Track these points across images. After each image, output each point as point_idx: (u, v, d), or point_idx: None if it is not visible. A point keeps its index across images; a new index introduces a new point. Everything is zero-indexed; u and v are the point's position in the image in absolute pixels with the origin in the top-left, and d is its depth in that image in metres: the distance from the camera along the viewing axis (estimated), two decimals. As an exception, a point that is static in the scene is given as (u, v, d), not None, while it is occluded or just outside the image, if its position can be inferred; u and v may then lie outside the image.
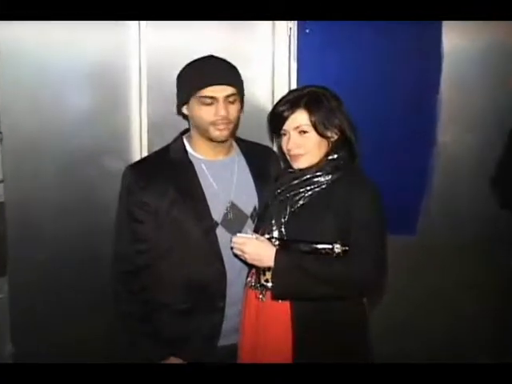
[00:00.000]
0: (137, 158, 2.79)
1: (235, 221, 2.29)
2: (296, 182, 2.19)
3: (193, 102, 2.19)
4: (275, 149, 2.66)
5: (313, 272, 2.05)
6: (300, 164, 2.19)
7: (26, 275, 2.71)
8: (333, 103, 2.18)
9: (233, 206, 2.29)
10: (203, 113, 2.17)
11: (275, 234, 2.17)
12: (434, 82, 3.06)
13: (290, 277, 2.06)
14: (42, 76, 2.68)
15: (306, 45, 2.89)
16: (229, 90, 2.18)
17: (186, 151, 2.33)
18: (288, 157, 2.23)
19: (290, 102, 2.18)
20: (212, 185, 2.29)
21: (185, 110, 2.24)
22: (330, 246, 2.07)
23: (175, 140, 2.38)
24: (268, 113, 2.27)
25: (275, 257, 2.07)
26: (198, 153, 2.32)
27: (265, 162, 2.36)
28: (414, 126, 3.07)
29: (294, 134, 2.17)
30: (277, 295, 2.11)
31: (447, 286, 3.25)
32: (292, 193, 2.18)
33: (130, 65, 2.76)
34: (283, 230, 2.17)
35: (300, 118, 2.16)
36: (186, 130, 2.39)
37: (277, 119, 2.19)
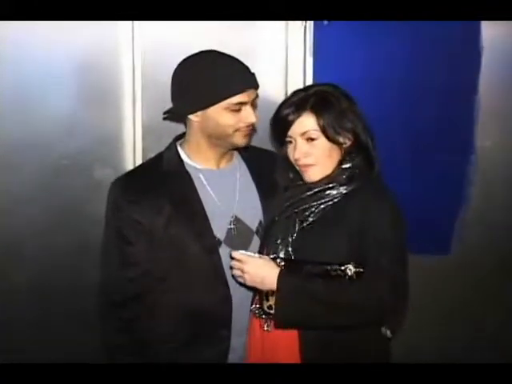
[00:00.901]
0: (130, 166, 2.67)
1: (240, 238, 2.12)
2: (306, 195, 2.04)
3: (215, 108, 2.03)
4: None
5: (321, 297, 1.89)
6: (311, 176, 2.04)
7: (3, 299, 2.62)
8: (344, 104, 2.02)
9: (237, 221, 2.13)
10: (228, 119, 2.02)
11: (281, 253, 2.02)
12: (471, 82, 2.89)
13: (294, 302, 1.90)
14: (25, 76, 2.60)
15: (323, 38, 2.74)
16: (255, 93, 2.06)
17: (181, 160, 2.16)
18: (297, 166, 2.08)
19: (295, 104, 2.03)
20: (212, 197, 2.12)
21: (194, 117, 2.06)
22: (343, 268, 1.91)
23: (168, 148, 2.20)
24: (271, 119, 2.12)
25: (278, 278, 1.90)
26: (195, 161, 2.16)
27: (269, 170, 2.18)
28: (448, 130, 2.90)
29: (300, 142, 2.02)
30: (279, 323, 1.94)
31: (483, 306, 3.11)
32: (301, 207, 2.03)
33: (122, 63, 2.66)
34: (290, 249, 2.02)
35: (307, 123, 2.01)
36: (180, 136, 2.23)
37: (281, 124, 2.05)
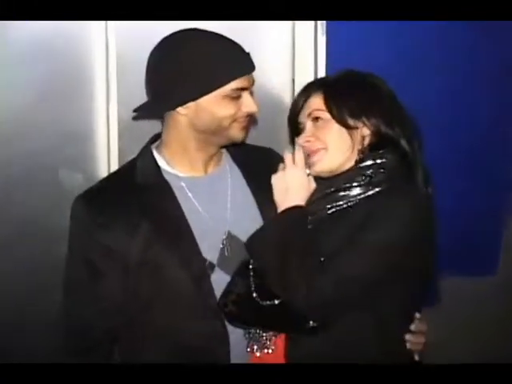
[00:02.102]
0: (103, 171, 2.56)
1: (236, 258, 1.96)
2: (319, 196, 1.92)
3: (211, 97, 1.92)
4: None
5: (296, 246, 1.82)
6: (320, 164, 1.92)
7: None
8: (366, 84, 1.94)
9: (231, 238, 2.00)
10: (227, 109, 1.92)
11: None
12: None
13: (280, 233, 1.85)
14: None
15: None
16: (252, 77, 1.96)
17: (158, 167, 2.01)
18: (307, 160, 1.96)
19: (305, 90, 2.00)
20: (198, 211, 1.98)
21: (183, 110, 1.93)
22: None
23: (142, 153, 2.05)
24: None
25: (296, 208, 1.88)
26: (176, 168, 2.02)
27: (267, 171, 2.04)
28: (499, 133, 2.86)
29: (308, 124, 1.96)
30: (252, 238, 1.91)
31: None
32: (315, 209, 1.92)
33: (93, 47, 2.58)
34: None
35: (313, 103, 1.96)
36: (156, 138, 2.07)
37: (292, 113, 2.01)
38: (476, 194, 2.87)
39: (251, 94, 1.98)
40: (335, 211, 1.90)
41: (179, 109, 1.95)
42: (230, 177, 2.10)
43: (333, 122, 1.93)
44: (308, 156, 1.95)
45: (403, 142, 1.91)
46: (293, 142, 2.07)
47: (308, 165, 1.95)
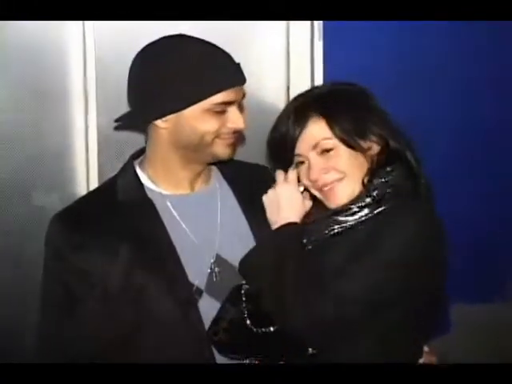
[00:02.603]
0: (82, 190, 2.50)
1: (226, 283, 1.91)
2: (320, 217, 1.88)
3: (192, 110, 1.88)
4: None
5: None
6: (340, 194, 1.85)
7: None
8: (361, 100, 1.88)
9: (220, 262, 1.94)
10: (209, 125, 1.88)
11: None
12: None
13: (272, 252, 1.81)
14: None
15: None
16: (242, 90, 1.91)
17: (141, 185, 1.96)
18: (317, 193, 1.89)
19: (297, 111, 1.88)
20: (185, 232, 1.93)
21: (162, 123, 1.89)
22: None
23: (123, 169, 2.00)
24: (268, 137, 1.95)
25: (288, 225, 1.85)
26: (161, 185, 1.96)
27: (259, 189, 2.00)
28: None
29: (314, 157, 1.86)
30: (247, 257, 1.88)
31: None
32: (314, 232, 1.87)
33: (70, 52, 2.50)
34: None
35: (316, 131, 1.85)
36: (139, 153, 2.03)
37: (282, 144, 1.90)
38: (493, 212, 2.79)
39: (240, 108, 1.92)
40: (338, 232, 1.86)
41: (159, 122, 1.89)
42: (220, 195, 2.03)
43: (344, 148, 1.85)
44: (321, 190, 1.88)
45: (409, 155, 1.86)
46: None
47: (326, 199, 1.89)
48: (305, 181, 1.91)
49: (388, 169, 1.86)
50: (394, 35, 2.64)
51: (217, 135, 1.89)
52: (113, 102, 2.43)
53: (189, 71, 1.86)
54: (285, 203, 1.88)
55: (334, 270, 1.75)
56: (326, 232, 1.86)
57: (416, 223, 1.77)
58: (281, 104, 2.51)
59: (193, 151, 1.91)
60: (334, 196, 1.87)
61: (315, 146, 1.85)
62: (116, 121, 1.95)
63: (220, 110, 1.87)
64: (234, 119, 1.88)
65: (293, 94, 2.24)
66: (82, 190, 2.48)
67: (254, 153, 2.22)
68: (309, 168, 1.88)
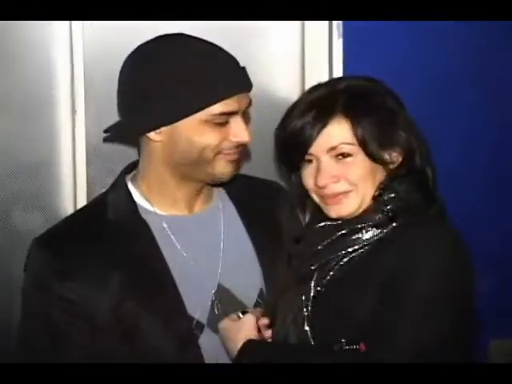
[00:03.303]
0: (68, 209, 2.40)
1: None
2: (325, 243, 1.80)
3: (189, 121, 1.80)
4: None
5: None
6: (343, 209, 1.79)
7: None
8: (389, 103, 1.79)
9: (222, 292, 1.88)
10: (208, 138, 1.80)
11: (292, 337, 1.79)
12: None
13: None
14: None
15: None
16: (247, 98, 1.83)
17: (134, 204, 1.89)
18: (317, 198, 1.82)
19: (318, 106, 1.77)
20: (183, 258, 1.87)
21: (156, 135, 1.82)
22: (356, 347, 1.72)
23: (114, 186, 1.94)
24: (276, 130, 1.85)
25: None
26: (156, 205, 1.90)
27: (269, 210, 1.96)
28: None
29: (327, 161, 1.78)
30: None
31: None
32: (319, 262, 1.79)
33: (56, 59, 2.40)
34: (307, 328, 1.78)
35: (337, 132, 1.75)
36: (132, 167, 1.97)
37: (296, 140, 1.79)
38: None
39: (245, 118, 1.83)
40: (348, 260, 1.78)
41: (151, 134, 1.81)
42: (223, 216, 1.95)
43: (363, 157, 1.76)
44: (325, 198, 1.80)
45: (428, 168, 1.81)
46: (286, 174, 1.92)
47: (327, 209, 1.81)
48: (309, 183, 1.81)
49: (399, 180, 1.79)
50: (419, 33, 2.56)
51: (218, 151, 1.80)
52: (103, 109, 2.32)
53: (185, 76, 1.78)
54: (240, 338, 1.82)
55: (351, 298, 1.70)
56: (333, 262, 1.78)
57: (450, 248, 1.70)
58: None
59: (190, 169, 1.84)
60: (338, 208, 1.78)
61: (332, 149, 1.75)
62: (105, 131, 1.89)
63: (221, 122, 1.79)
64: (237, 132, 1.80)
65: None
66: (67, 209, 2.38)
67: (263, 166, 2.16)
68: (318, 171, 1.77)
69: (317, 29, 2.50)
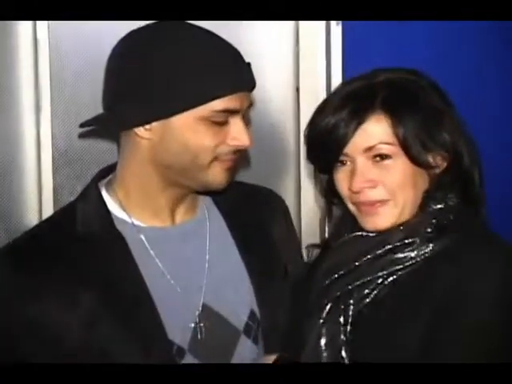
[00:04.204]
0: (33, 219, 2.29)
1: (213, 342, 1.73)
2: (364, 260, 1.67)
3: (184, 118, 1.67)
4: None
5: None
6: (380, 221, 1.67)
7: None
8: (435, 100, 1.65)
9: (206, 314, 1.74)
10: (205, 138, 1.67)
11: (326, 358, 1.66)
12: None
13: None
14: None
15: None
16: (249, 98, 1.72)
17: (108, 213, 1.76)
18: (351, 206, 1.71)
19: (354, 101, 1.65)
20: (163, 275, 1.74)
21: (144, 131, 1.68)
22: None
23: (85, 193, 1.81)
24: (307, 128, 1.74)
25: None
26: (133, 214, 1.76)
27: (261, 221, 1.87)
28: None
29: (362, 163, 1.65)
30: None
31: None
32: (358, 282, 1.66)
33: (18, 53, 2.28)
34: (344, 354, 1.65)
35: (375, 130, 1.62)
36: (106, 172, 1.84)
37: (328, 139, 1.67)
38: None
39: (245, 120, 1.72)
40: (393, 280, 1.68)
41: (140, 130, 1.67)
42: (209, 228, 1.83)
43: (404, 160, 1.65)
44: (360, 206, 1.70)
45: (476, 176, 1.69)
46: (319, 176, 1.81)
47: (363, 220, 1.71)
48: (342, 188, 1.70)
49: (447, 189, 1.68)
50: (425, 25, 2.47)
51: (215, 156, 1.68)
52: (70, 111, 2.23)
53: (185, 66, 1.66)
54: None
55: (400, 325, 1.61)
56: (382, 279, 1.68)
57: (498, 261, 1.61)
58: (288, 111, 2.34)
59: (179, 174, 1.71)
60: (375, 220, 1.67)
61: (369, 149, 1.64)
62: (82, 125, 1.76)
63: (220, 121, 1.66)
64: (237, 134, 1.67)
65: (304, 97, 2.12)
66: (32, 219, 2.25)
67: (258, 171, 2.08)
68: (352, 174, 1.66)
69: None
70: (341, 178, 1.68)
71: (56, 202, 2.24)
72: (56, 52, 2.26)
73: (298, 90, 2.37)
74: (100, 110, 1.91)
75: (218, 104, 1.64)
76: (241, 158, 1.83)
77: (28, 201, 2.29)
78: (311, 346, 1.70)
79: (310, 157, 1.76)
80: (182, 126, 1.66)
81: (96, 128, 1.90)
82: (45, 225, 1.85)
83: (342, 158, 1.68)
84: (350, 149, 1.65)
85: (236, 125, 1.68)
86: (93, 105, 2.05)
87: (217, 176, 1.71)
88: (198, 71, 1.65)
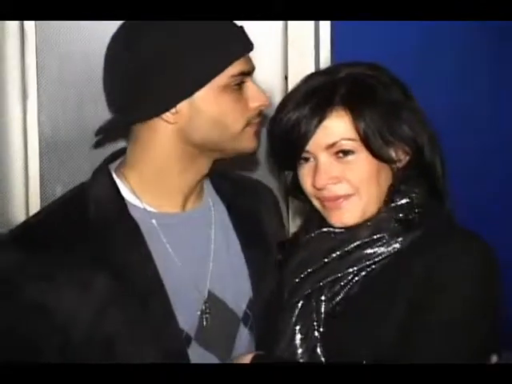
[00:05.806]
0: (19, 213, 2.29)
1: (217, 329, 1.72)
2: (334, 257, 1.65)
3: (208, 91, 1.66)
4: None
5: None
6: (345, 216, 1.66)
7: None
8: (395, 94, 1.66)
9: (212, 301, 1.73)
10: (233, 106, 1.67)
11: (303, 358, 1.64)
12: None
13: None
14: None
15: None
16: (251, 59, 1.74)
17: (122, 200, 1.73)
18: (315, 202, 1.69)
19: (315, 97, 1.64)
20: (174, 262, 1.71)
21: (170, 116, 1.67)
22: None
23: (96, 177, 1.76)
24: (269, 123, 1.73)
25: None
26: (145, 199, 1.73)
27: (254, 211, 1.87)
28: None
29: (325, 159, 1.65)
30: None
31: None
32: (329, 278, 1.64)
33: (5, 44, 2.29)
34: (319, 350, 1.63)
35: (336, 127, 1.63)
36: (115, 156, 1.80)
37: (291, 136, 1.67)
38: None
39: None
40: (365, 274, 1.66)
41: (167, 116, 1.66)
42: (214, 216, 1.82)
43: (366, 155, 1.64)
44: (324, 202, 1.68)
45: (439, 168, 1.69)
46: (279, 173, 1.84)
47: (328, 216, 1.69)
48: (306, 184, 1.68)
49: (411, 182, 1.68)
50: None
51: (246, 122, 1.68)
52: (56, 98, 2.22)
53: (196, 40, 1.67)
54: None
55: (374, 321, 1.61)
56: (353, 275, 1.66)
57: (484, 259, 1.62)
58: (277, 98, 2.25)
59: (212, 149, 1.71)
60: (340, 215, 1.66)
61: (331, 146, 1.62)
62: (97, 133, 1.71)
63: (238, 84, 1.67)
64: (256, 94, 1.68)
65: (292, 85, 2.01)
66: (18, 205, 2.24)
67: (245, 159, 2.06)
68: (316, 171, 1.65)
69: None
70: (304, 174, 1.68)
71: (42, 189, 2.22)
72: (42, 40, 2.23)
73: (286, 78, 2.35)
74: (86, 99, 1.93)
75: (234, 68, 1.65)
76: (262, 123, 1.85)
77: (14, 188, 2.28)
78: (286, 342, 1.69)
79: (273, 154, 1.77)
80: (206, 102, 1.66)
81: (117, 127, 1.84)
82: (56, 208, 1.84)
83: (304, 155, 1.68)
84: (312, 146, 1.65)
85: (251, 87, 1.69)
86: (79, 93, 2.08)
87: (250, 141, 1.72)
88: (210, 41, 1.66)
